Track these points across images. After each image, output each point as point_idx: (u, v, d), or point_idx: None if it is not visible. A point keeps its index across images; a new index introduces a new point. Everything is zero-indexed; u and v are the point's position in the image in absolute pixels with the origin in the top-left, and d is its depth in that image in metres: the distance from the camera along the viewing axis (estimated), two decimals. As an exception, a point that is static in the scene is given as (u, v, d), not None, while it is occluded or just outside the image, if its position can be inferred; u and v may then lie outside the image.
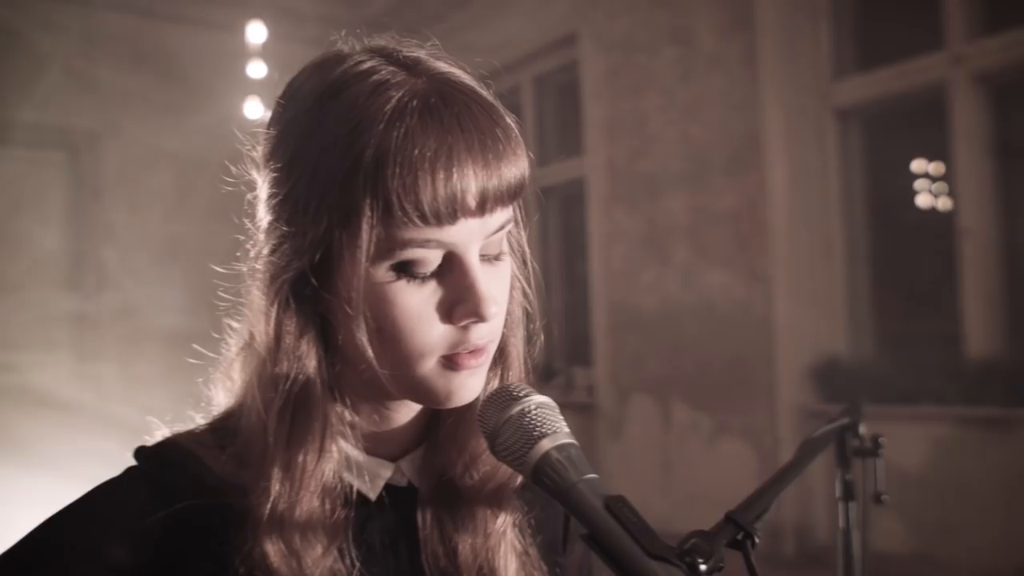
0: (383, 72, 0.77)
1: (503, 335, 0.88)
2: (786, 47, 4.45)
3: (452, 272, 0.77)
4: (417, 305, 0.77)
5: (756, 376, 4.45)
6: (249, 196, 0.86)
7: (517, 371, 0.91)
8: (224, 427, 0.86)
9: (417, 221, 0.73)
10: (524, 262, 0.93)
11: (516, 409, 0.73)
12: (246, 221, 0.86)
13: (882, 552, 3.73)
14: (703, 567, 0.66)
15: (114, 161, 5.94)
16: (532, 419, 0.72)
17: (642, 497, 5.18)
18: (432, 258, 0.76)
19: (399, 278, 0.76)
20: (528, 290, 0.94)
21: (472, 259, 0.77)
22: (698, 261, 4.77)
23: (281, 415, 0.79)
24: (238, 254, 0.86)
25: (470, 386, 0.81)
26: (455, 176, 0.73)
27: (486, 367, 0.84)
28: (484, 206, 0.76)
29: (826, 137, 4.48)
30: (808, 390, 4.32)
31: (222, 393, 0.90)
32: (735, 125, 4.57)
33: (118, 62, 5.78)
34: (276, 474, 0.78)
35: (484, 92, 0.82)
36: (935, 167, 4.30)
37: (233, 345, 0.89)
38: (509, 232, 0.87)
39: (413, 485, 0.89)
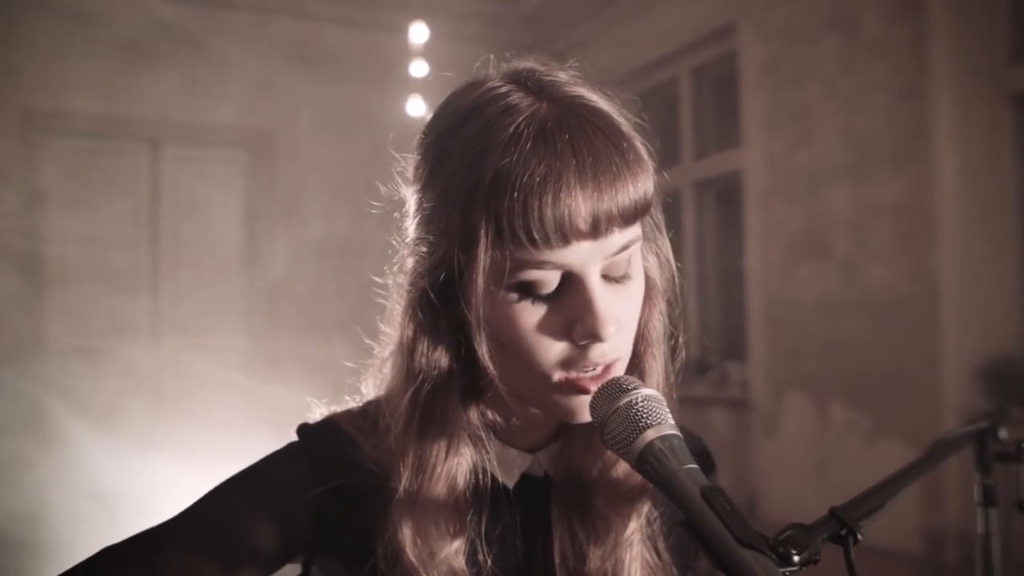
0: (512, 97, 0.81)
1: (639, 351, 0.91)
2: (959, 30, 4.22)
3: (572, 291, 0.80)
4: (537, 324, 0.80)
5: (919, 376, 4.27)
6: (396, 215, 0.93)
7: (655, 386, 0.92)
8: (374, 413, 0.94)
9: (527, 244, 0.76)
10: (672, 278, 0.94)
11: (624, 400, 0.76)
12: (392, 237, 0.93)
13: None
14: (796, 558, 0.69)
15: (288, 158, 6.30)
16: (639, 410, 0.75)
17: (796, 496, 5.07)
18: (551, 279, 0.79)
19: (520, 298, 0.80)
20: (673, 305, 0.95)
21: (591, 280, 0.79)
22: (859, 256, 4.61)
23: (412, 412, 0.86)
24: (385, 268, 0.94)
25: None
26: (563, 199, 0.76)
27: None
28: (597, 228, 0.78)
29: (1001, 125, 4.22)
30: (976, 392, 4.10)
31: (372, 385, 0.99)
32: (901, 114, 4.38)
33: (291, 65, 6.11)
34: (409, 464, 0.86)
35: (612, 114, 0.83)
36: None
37: (387, 345, 0.97)
38: (654, 248, 0.91)
39: (549, 476, 0.95)
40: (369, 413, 0.95)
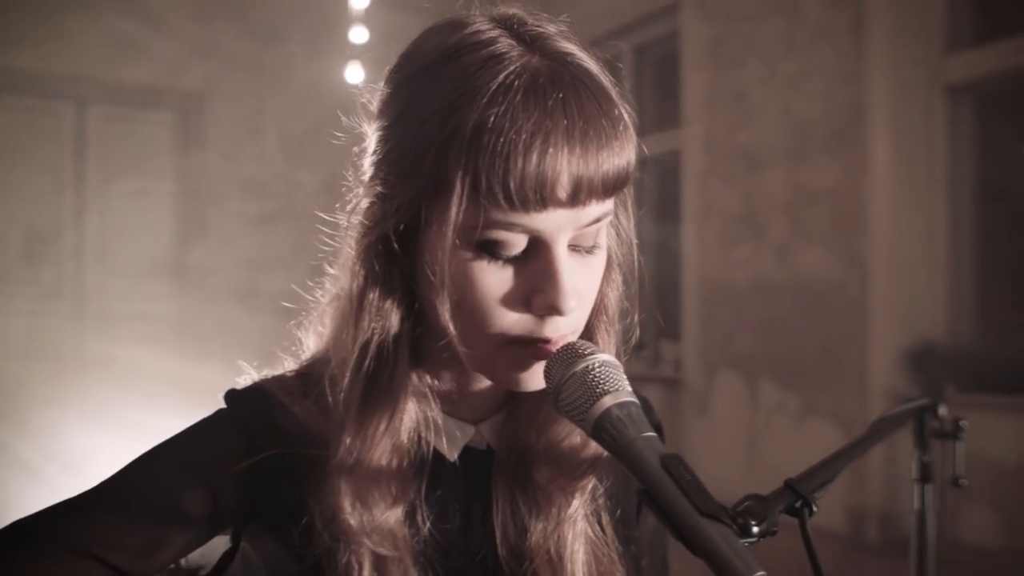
0: (500, 44, 0.76)
1: (591, 326, 0.87)
2: (896, 17, 4.28)
3: (537, 259, 0.75)
4: (496, 287, 0.76)
5: (848, 358, 4.35)
6: (355, 149, 0.86)
7: None
8: (310, 374, 0.88)
9: (503, 203, 0.72)
10: (631, 252, 0.90)
11: (581, 366, 0.73)
12: (347, 173, 0.87)
13: (975, 545, 3.63)
14: (755, 529, 0.67)
15: (219, 121, 6.13)
16: (596, 376, 0.72)
17: (724, 474, 5.13)
18: (517, 242, 0.75)
19: (481, 257, 0.75)
20: (630, 282, 0.91)
21: (559, 249, 0.75)
22: (794, 239, 4.67)
23: (357, 371, 0.80)
24: (337, 205, 0.87)
25: (541, 375, 0.79)
26: (548, 162, 0.71)
27: None
28: (576, 197, 0.73)
29: (935, 114, 4.31)
30: (902, 375, 4.20)
31: (313, 339, 0.92)
32: (839, 99, 4.44)
33: (226, 27, 5.95)
34: (350, 429, 0.80)
35: (602, 78, 0.79)
36: (1052, 149, 4.10)
37: (327, 292, 0.91)
38: (616, 219, 0.86)
39: (492, 449, 0.90)
40: (308, 374, 0.89)
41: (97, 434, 4.24)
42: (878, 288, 4.25)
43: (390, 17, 5.53)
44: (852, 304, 4.34)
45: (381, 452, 0.81)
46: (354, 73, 5.17)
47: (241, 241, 5.96)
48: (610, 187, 0.75)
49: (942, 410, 1.31)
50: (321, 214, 0.89)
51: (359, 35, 5.10)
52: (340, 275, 0.86)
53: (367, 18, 5.09)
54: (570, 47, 0.79)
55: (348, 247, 0.83)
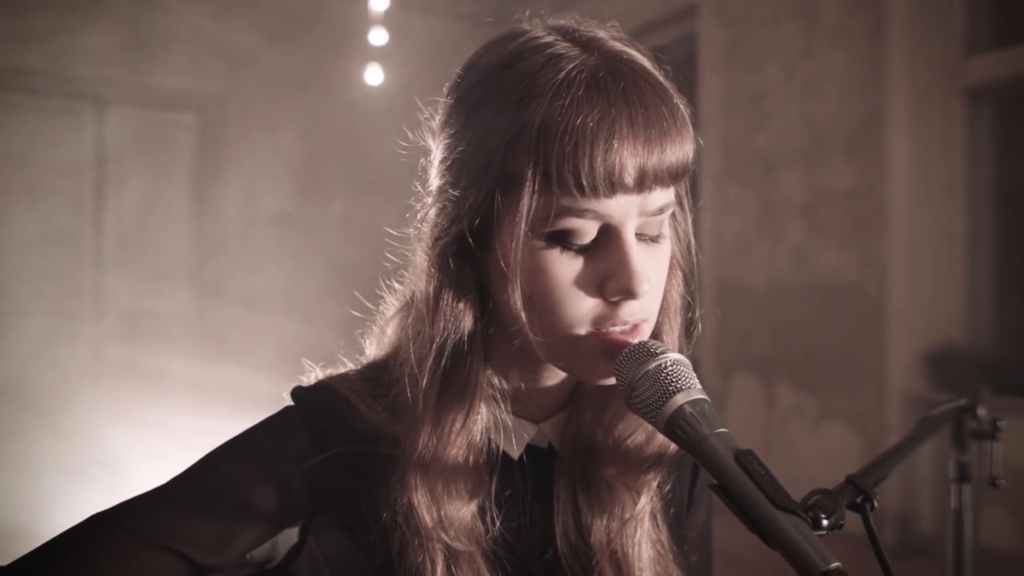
0: (558, 47, 0.79)
1: (657, 321, 0.88)
2: (916, 21, 4.29)
3: (607, 246, 0.78)
4: (569, 276, 0.77)
5: (866, 360, 4.36)
6: (422, 161, 0.89)
7: None
8: (375, 377, 0.90)
9: (574, 190, 0.74)
10: (689, 251, 0.93)
11: (653, 365, 0.75)
12: (416, 185, 0.89)
13: (988, 546, 3.63)
14: (824, 522, 0.70)
15: (239, 123, 6.17)
16: (668, 374, 0.74)
17: (741, 475, 5.14)
18: (588, 229, 0.77)
19: (553, 247, 0.77)
20: (689, 280, 0.93)
21: (628, 234, 0.77)
22: (811, 240, 4.68)
23: (434, 372, 0.82)
24: (407, 215, 0.89)
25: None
26: (615, 148, 0.74)
27: None
28: (642, 183, 0.76)
29: (953, 118, 4.32)
30: (920, 377, 4.22)
31: (374, 346, 0.94)
32: (857, 102, 4.45)
33: (246, 28, 5.98)
34: (426, 428, 0.82)
35: (657, 74, 0.82)
36: (1070, 152, 4.11)
37: (393, 303, 0.93)
38: (674, 218, 0.88)
39: (553, 448, 0.92)
40: (373, 378, 0.90)
41: (124, 434, 4.28)
42: (896, 290, 4.26)
43: (409, 20, 5.58)
44: (870, 306, 4.35)
45: (457, 449, 0.83)
46: (373, 75, 5.20)
47: (260, 244, 5.99)
48: (673, 174, 0.78)
49: (981, 411, 1.34)
50: (390, 229, 0.92)
51: (379, 37, 5.13)
52: (413, 281, 0.88)
53: (387, 20, 5.11)
54: (622, 46, 0.82)
55: (421, 253, 0.86)
